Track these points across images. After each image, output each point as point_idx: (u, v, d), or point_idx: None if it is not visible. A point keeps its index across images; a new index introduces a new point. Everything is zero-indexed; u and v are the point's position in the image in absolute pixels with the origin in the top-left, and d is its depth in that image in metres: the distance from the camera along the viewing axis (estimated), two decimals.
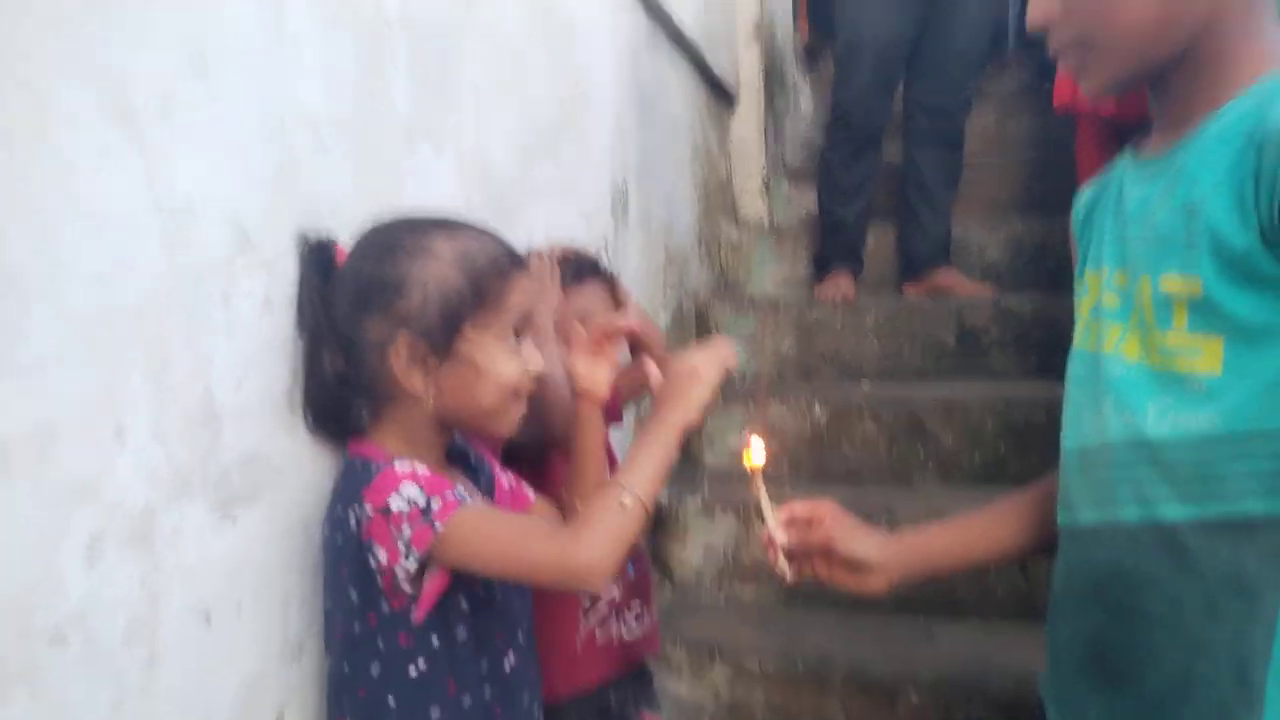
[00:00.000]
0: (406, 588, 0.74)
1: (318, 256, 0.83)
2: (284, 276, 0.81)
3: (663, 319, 2.15)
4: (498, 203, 1.27)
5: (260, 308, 0.78)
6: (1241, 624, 0.68)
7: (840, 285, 2.44)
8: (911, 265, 2.53)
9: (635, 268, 1.94)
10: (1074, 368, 0.83)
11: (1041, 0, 0.75)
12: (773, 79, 3.15)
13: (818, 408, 2.10)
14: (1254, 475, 0.67)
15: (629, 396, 1.32)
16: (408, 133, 1.04)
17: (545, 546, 0.73)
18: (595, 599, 1.12)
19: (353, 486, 0.76)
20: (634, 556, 1.17)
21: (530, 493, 0.97)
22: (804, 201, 2.92)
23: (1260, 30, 0.72)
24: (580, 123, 1.62)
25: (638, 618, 1.17)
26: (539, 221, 1.41)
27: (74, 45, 0.60)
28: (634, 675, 1.18)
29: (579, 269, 1.16)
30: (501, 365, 0.81)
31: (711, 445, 2.16)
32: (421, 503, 0.72)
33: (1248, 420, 0.67)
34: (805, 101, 3.60)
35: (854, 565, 0.89)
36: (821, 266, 2.54)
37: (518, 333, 0.83)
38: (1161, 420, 0.71)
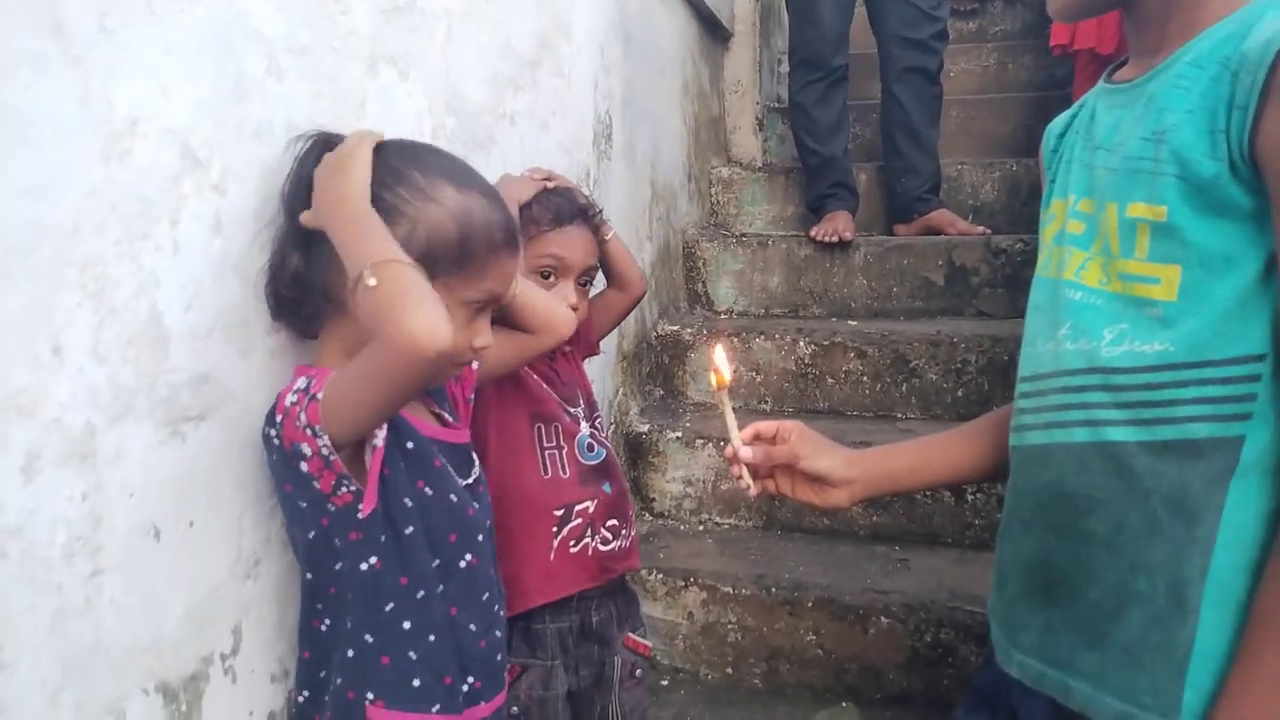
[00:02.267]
0: (348, 484, 0.75)
1: (320, 149, 0.83)
2: (236, 198, 0.80)
3: (648, 252, 2.15)
4: (469, 130, 1.26)
5: (210, 229, 0.78)
6: (1180, 544, 0.69)
7: (838, 224, 2.40)
8: (902, 206, 2.50)
9: (619, 201, 1.92)
10: (1035, 295, 0.84)
11: None
12: (769, 16, 3.08)
13: (803, 344, 2.11)
14: (1203, 401, 0.68)
15: (603, 327, 1.32)
16: (371, 57, 1.02)
17: (383, 349, 0.70)
18: (568, 517, 1.14)
19: (273, 405, 0.77)
20: (611, 476, 1.19)
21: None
22: None
23: None
24: (560, 54, 1.59)
25: (614, 533, 1.18)
26: (514, 150, 1.40)
27: None
28: (614, 591, 1.20)
29: (560, 212, 1.14)
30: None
31: (695, 380, 2.17)
32: (304, 385, 0.74)
33: (1200, 348, 0.68)
34: None
35: (817, 480, 0.90)
36: (816, 208, 2.51)
37: (479, 307, 0.82)
38: (1116, 345, 0.72)
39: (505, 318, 0.97)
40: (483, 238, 0.80)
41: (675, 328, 2.19)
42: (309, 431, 0.72)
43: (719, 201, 2.73)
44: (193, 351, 0.75)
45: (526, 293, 0.97)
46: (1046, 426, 0.78)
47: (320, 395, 0.72)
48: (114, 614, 0.68)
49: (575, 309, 1.12)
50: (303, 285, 0.82)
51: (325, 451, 0.73)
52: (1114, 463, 0.72)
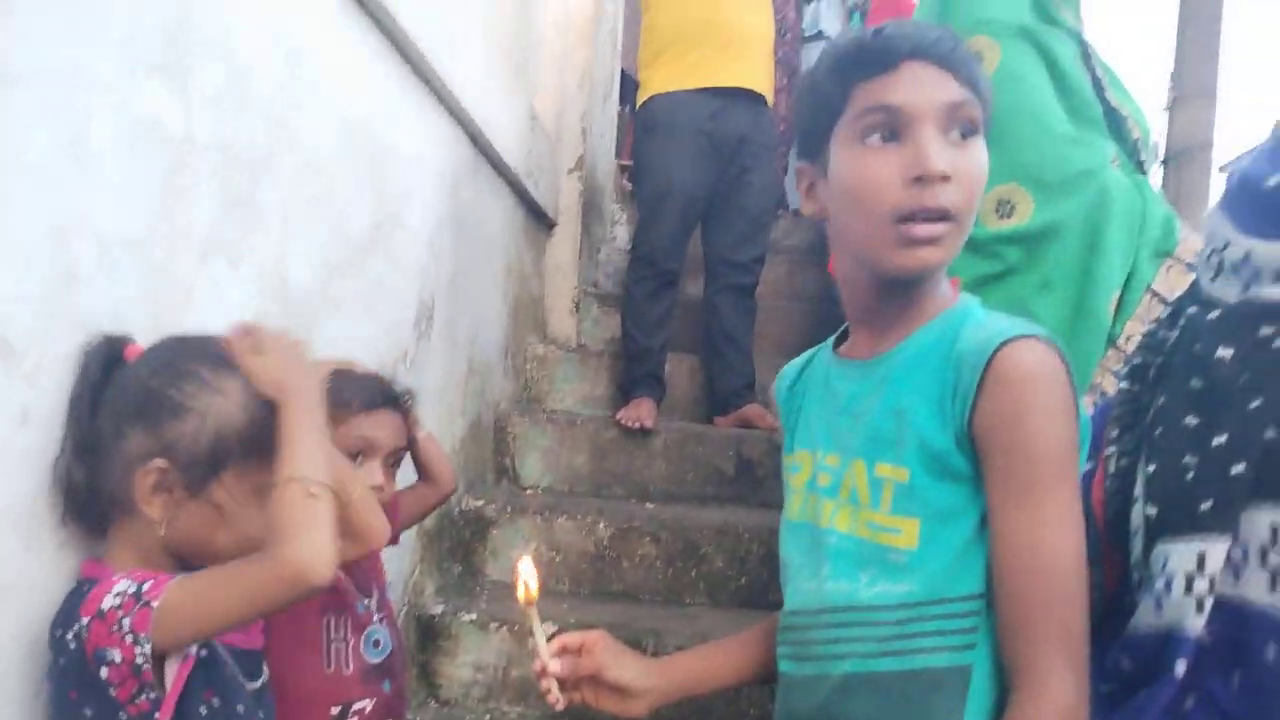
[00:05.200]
0: (149, 691, 0.73)
1: (104, 351, 0.84)
2: (47, 390, 0.81)
3: (460, 427, 2.20)
4: (293, 315, 1.30)
5: (15, 421, 0.77)
6: None
7: (642, 411, 2.57)
8: (721, 399, 2.73)
9: (436, 378, 1.99)
10: (794, 537, 0.95)
11: (945, 150, 0.82)
12: (591, 209, 3.36)
13: (602, 525, 2.20)
14: (941, 634, 0.81)
15: (409, 520, 1.35)
16: (204, 247, 1.07)
17: (258, 568, 0.72)
18: (344, 716, 1.12)
19: (71, 606, 0.76)
20: (393, 673, 1.18)
21: None
22: (611, 324, 3.09)
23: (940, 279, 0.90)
24: (392, 242, 1.68)
25: None
26: (337, 334, 1.44)
27: None
28: None
29: (370, 396, 1.18)
30: (246, 519, 0.82)
31: (495, 557, 2.19)
32: (132, 590, 0.73)
33: (937, 588, 0.81)
34: (621, 231, 3.84)
35: (619, 690, 0.95)
36: (626, 391, 2.68)
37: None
38: (871, 586, 0.84)
39: None
40: (273, 428, 0.82)
41: (480, 503, 2.22)
42: (129, 639, 0.71)
43: (533, 378, 2.85)
44: None
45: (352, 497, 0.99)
46: (816, 659, 0.88)
47: (157, 602, 0.72)
48: None
49: (381, 489, 1.15)
50: (90, 489, 0.81)
51: (140, 660, 0.72)
52: (875, 691, 0.83)
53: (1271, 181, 0.79)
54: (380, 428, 1.17)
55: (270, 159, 1.21)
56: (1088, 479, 0.94)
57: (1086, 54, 1.66)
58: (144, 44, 0.92)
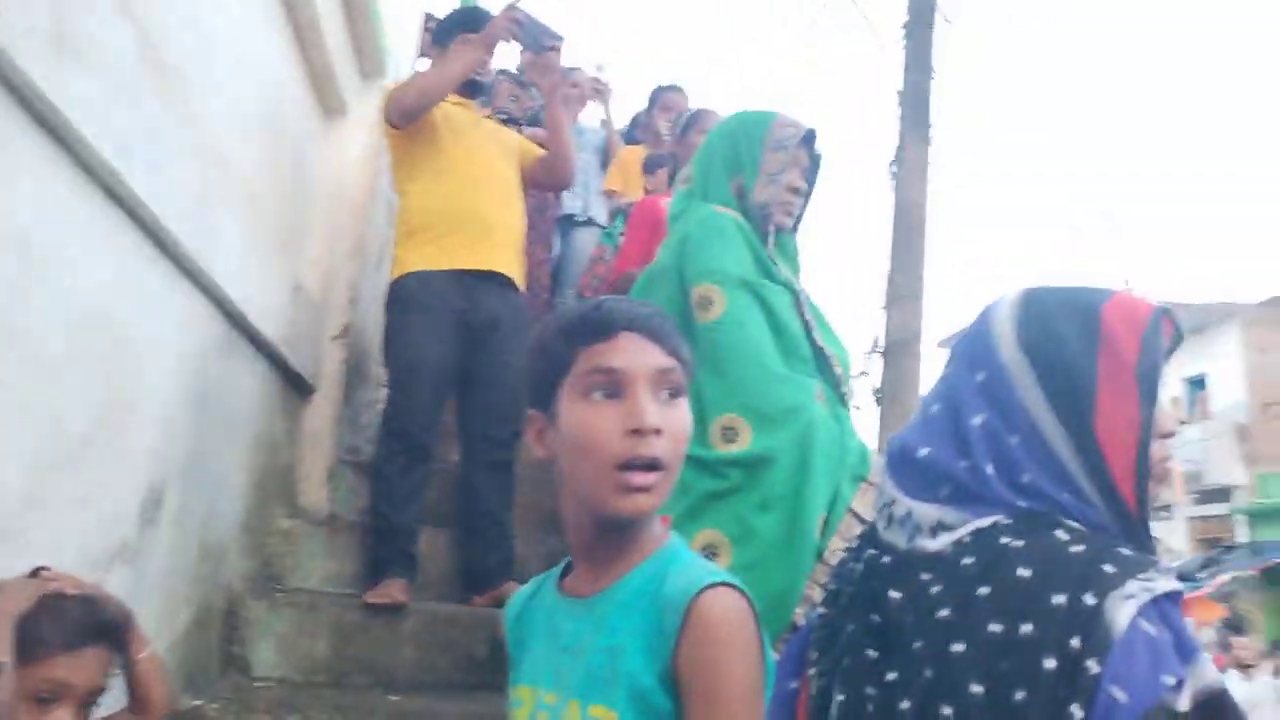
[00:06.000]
0: None
1: None
2: None
3: (185, 615, 2.02)
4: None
5: None
6: None
7: (393, 591, 2.48)
8: (480, 579, 2.68)
9: (159, 567, 1.84)
10: None
11: (656, 408, 0.93)
12: (356, 374, 3.31)
13: None
14: None
15: None
16: None
17: None
18: None
19: None
20: None
21: None
22: (368, 493, 2.99)
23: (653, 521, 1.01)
24: (121, 429, 1.59)
25: None
26: (46, 536, 1.33)
27: None
28: None
29: (75, 632, 1.07)
30: None
31: None
32: None
33: None
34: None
35: None
36: (376, 571, 2.58)
37: None
38: None
39: None
40: None
41: (200, 702, 2.03)
42: None
43: (276, 554, 2.68)
44: None
45: None
46: None
47: None
48: None
49: None
50: None
51: None
52: None
53: (921, 453, 0.97)
54: (80, 670, 1.07)
55: None
56: (792, 698, 1.06)
57: (799, 302, 1.94)
58: None
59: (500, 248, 2.77)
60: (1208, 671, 0.77)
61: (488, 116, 3.19)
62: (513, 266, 2.83)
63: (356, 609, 2.43)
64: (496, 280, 2.76)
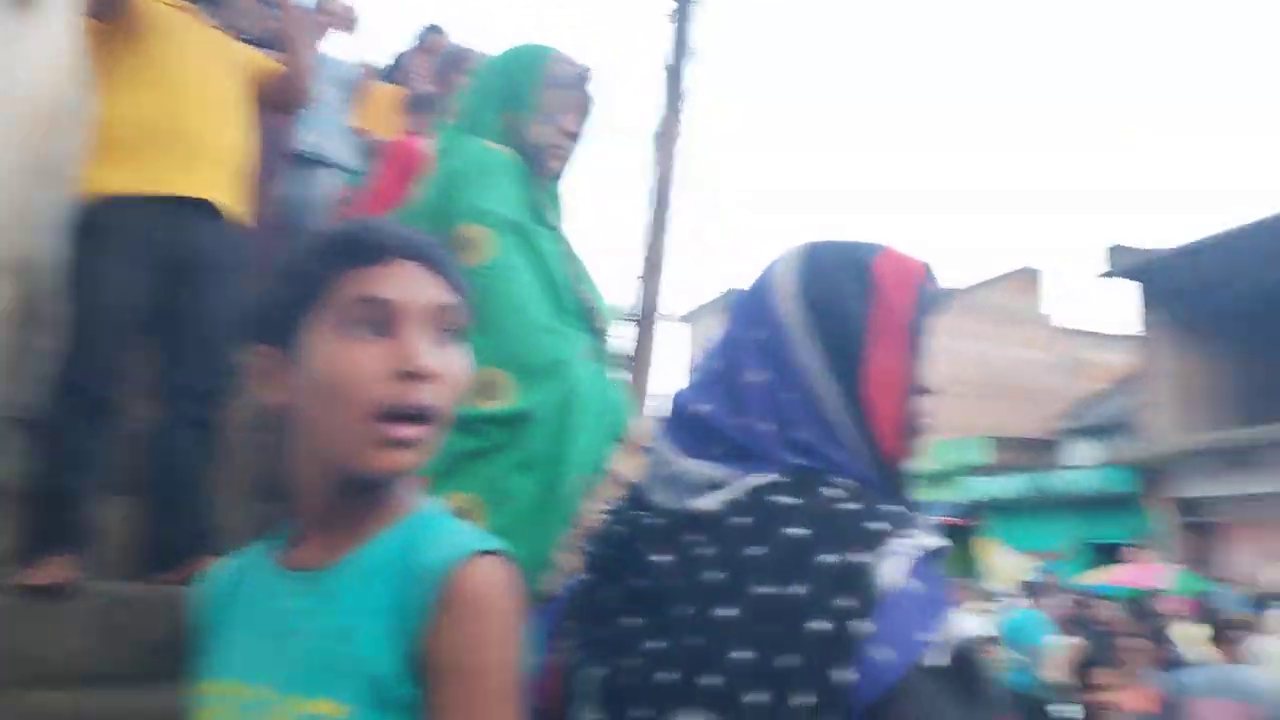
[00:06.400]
0: None
1: None
2: None
3: None
4: None
5: None
6: None
7: (60, 571, 2.10)
8: (168, 554, 2.33)
9: None
10: None
11: (433, 350, 0.80)
12: (31, 317, 2.78)
13: None
14: None
15: None
16: None
17: None
18: None
19: None
20: None
21: None
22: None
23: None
24: None
25: None
26: None
27: None
28: None
29: None
30: None
31: None
32: None
33: None
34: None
35: None
36: (37, 548, 2.16)
37: None
38: None
39: None
40: None
41: None
42: None
43: None
44: None
45: None
46: None
47: None
48: None
49: None
50: None
51: None
52: None
53: (698, 410, 0.91)
54: None
55: None
56: (542, 674, 0.94)
57: (568, 251, 1.83)
58: None
59: (213, 171, 2.41)
60: (959, 625, 0.77)
61: (217, 28, 2.79)
62: (228, 194, 2.46)
63: (11, 592, 2.02)
64: (207, 209, 2.39)
